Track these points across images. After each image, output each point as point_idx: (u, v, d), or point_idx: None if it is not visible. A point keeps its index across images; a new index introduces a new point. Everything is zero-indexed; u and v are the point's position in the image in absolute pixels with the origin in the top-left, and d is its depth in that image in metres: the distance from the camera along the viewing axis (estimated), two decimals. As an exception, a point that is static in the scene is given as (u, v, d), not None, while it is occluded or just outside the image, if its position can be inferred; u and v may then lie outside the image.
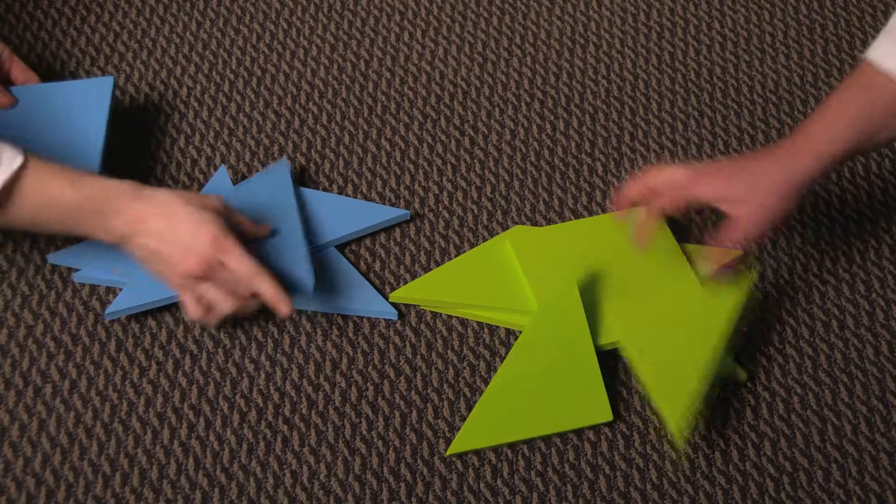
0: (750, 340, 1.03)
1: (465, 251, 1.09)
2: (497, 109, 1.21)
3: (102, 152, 1.06)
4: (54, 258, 1.05)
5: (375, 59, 1.25)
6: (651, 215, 0.98)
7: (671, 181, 0.96)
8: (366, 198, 1.13)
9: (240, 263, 0.93)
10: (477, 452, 0.96)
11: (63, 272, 1.06)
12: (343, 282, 1.05)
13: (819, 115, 0.94)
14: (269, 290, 0.94)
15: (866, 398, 1.00)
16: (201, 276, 0.93)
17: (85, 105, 1.09)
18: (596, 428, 0.98)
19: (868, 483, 0.95)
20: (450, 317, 1.04)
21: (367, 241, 1.09)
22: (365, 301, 1.04)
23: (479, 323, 1.04)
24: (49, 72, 1.20)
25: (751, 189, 0.93)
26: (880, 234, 1.11)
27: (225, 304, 0.95)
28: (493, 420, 0.96)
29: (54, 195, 0.90)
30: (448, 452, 0.96)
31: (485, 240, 1.10)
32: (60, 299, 1.04)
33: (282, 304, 0.95)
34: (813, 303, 1.06)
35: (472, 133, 1.19)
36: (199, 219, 0.93)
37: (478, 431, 0.96)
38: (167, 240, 0.93)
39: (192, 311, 0.95)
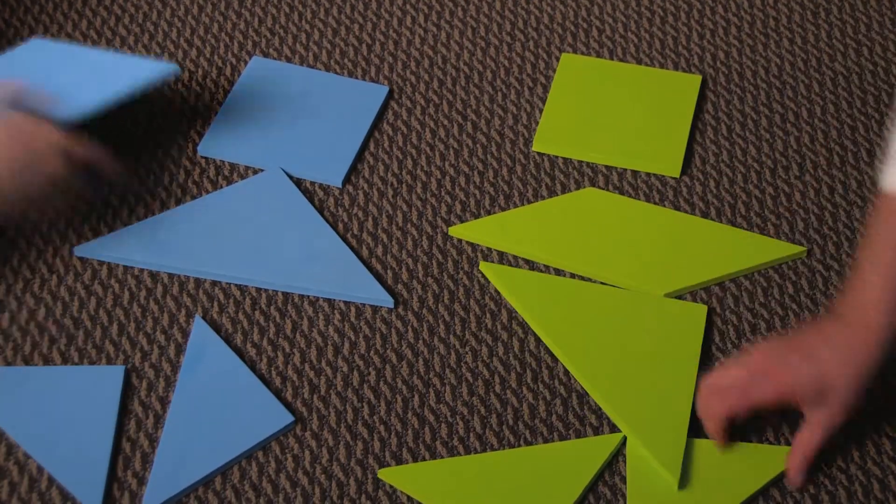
0: (753, 326, 1.03)
1: (467, 236, 1.09)
2: (500, 94, 1.21)
3: (355, 157, 1.13)
4: (80, 251, 1.05)
5: (378, 42, 1.25)
6: (716, 426, 0.92)
7: (730, 385, 0.91)
8: (368, 182, 1.13)
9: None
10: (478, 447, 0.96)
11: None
12: (341, 268, 1.05)
13: (862, 284, 0.88)
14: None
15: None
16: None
17: (355, 104, 1.17)
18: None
19: (870, 468, 0.95)
20: (451, 301, 1.04)
21: (369, 226, 1.09)
22: (362, 288, 1.04)
23: (480, 308, 1.04)
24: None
25: (822, 387, 0.87)
26: (884, 219, 1.11)
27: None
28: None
29: None
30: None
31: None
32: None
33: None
34: (816, 288, 1.06)
35: (474, 118, 1.18)
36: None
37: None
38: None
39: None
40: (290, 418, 0.96)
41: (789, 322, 1.03)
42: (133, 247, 1.06)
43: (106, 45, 1.23)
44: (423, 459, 0.95)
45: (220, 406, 0.96)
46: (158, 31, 1.25)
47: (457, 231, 1.08)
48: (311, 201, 1.11)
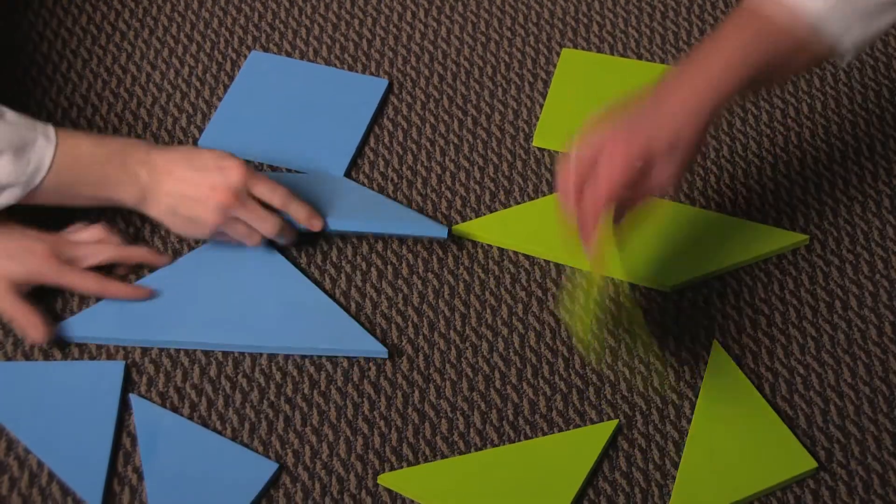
0: (753, 321, 1.03)
1: (470, 234, 1.09)
2: (500, 89, 1.20)
3: (357, 147, 1.14)
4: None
5: (378, 38, 1.25)
6: (587, 224, 0.90)
7: (591, 159, 0.89)
8: (368, 178, 1.13)
9: (269, 188, 1.00)
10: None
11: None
12: (330, 321, 1.01)
13: (713, 45, 0.89)
14: (301, 211, 1.02)
15: (869, 379, 1.00)
16: (232, 205, 0.98)
17: (354, 99, 1.17)
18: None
19: (870, 463, 0.95)
20: (452, 297, 1.04)
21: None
22: (355, 342, 1.00)
23: (481, 303, 1.04)
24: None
25: (676, 138, 0.88)
26: (884, 214, 1.11)
27: (256, 235, 1.01)
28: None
29: (84, 152, 0.96)
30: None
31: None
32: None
33: (314, 221, 1.03)
34: (816, 283, 1.06)
35: (474, 113, 1.18)
36: (222, 156, 1.00)
37: None
38: (193, 181, 0.98)
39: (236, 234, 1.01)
40: (274, 466, 0.93)
41: (790, 317, 1.03)
42: (108, 325, 1.00)
43: (106, 39, 1.23)
44: (424, 455, 0.95)
45: (199, 482, 0.92)
46: (159, 26, 1.25)
47: (460, 229, 1.08)
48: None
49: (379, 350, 1.00)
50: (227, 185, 0.98)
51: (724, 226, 1.09)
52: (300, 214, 1.02)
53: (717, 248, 1.07)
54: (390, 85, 1.20)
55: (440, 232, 1.05)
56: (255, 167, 1.12)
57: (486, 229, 1.08)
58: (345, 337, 1.00)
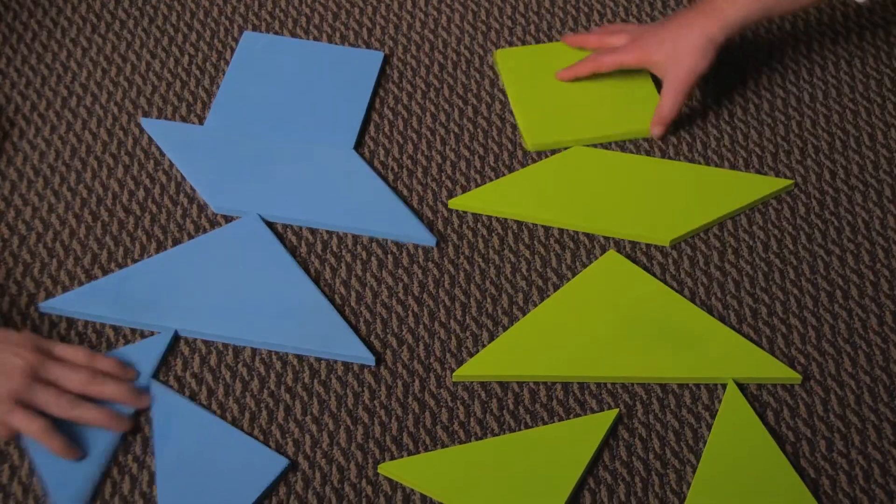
0: (755, 311, 1.03)
1: (468, 219, 1.09)
2: (500, 78, 1.20)
3: (361, 125, 1.14)
4: (45, 307, 1.00)
5: (378, 27, 1.24)
6: (584, 69, 1.16)
7: (613, 44, 1.15)
8: (369, 167, 1.12)
9: (71, 349, 0.92)
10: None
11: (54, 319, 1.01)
12: (321, 323, 1.00)
13: None
14: (116, 387, 0.92)
15: (870, 368, 1.00)
16: (30, 377, 0.89)
17: (353, 72, 1.18)
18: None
19: (871, 453, 0.95)
20: (452, 286, 1.04)
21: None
22: (343, 346, 0.99)
23: (481, 292, 1.04)
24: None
25: (674, 53, 1.11)
26: (885, 203, 1.11)
27: (61, 406, 0.90)
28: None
29: None
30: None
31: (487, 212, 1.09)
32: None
33: (137, 400, 0.93)
34: (817, 273, 1.06)
35: (474, 102, 1.18)
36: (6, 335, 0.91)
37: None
38: None
39: (32, 428, 0.89)
40: (284, 462, 0.93)
41: (790, 306, 1.03)
42: (100, 302, 1.00)
43: (105, 28, 1.23)
44: (424, 444, 0.95)
45: (208, 471, 0.92)
46: (158, 14, 1.24)
47: (456, 203, 1.09)
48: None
49: (367, 357, 0.98)
50: (18, 363, 0.89)
51: (714, 177, 1.11)
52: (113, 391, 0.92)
53: (709, 200, 1.09)
54: (388, 64, 1.20)
55: (429, 240, 1.06)
56: (266, 144, 1.12)
57: (482, 200, 1.09)
58: (336, 342, 0.99)
